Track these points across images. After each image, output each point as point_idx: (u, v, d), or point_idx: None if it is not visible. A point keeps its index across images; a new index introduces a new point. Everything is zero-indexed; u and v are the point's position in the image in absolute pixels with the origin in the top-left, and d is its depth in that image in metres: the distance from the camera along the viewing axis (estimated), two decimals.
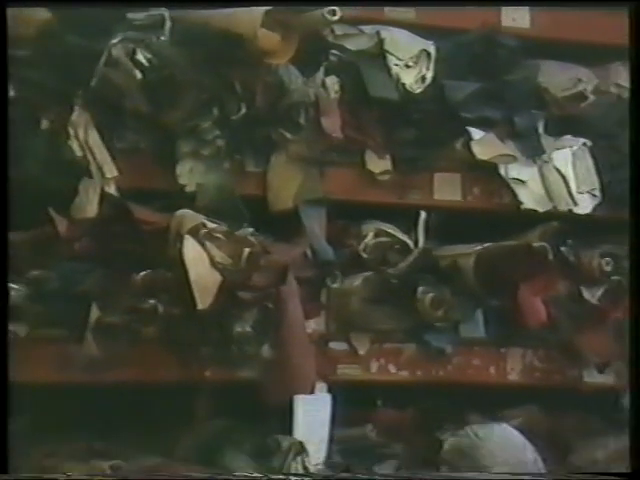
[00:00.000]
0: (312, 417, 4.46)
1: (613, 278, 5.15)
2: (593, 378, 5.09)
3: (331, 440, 4.66)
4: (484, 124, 4.92)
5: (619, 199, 5.02)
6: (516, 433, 4.31)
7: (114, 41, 4.31)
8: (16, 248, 4.27)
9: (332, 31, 4.68)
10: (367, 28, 4.85)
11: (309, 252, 4.58)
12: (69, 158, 4.22)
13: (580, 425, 5.12)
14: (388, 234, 4.76)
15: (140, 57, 4.27)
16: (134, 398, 4.50)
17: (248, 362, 4.45)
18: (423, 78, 4.80)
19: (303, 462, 4.53)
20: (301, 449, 4.50)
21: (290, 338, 4.36)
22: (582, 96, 5.11)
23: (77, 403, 4.33)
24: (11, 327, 4.18)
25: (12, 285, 4.28)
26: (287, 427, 4.53)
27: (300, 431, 4.54)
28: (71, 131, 4.23)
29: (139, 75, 4.29)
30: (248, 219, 4.41)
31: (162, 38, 4.35)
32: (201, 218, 4.33)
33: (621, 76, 5.17)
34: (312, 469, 4.60)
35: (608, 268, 5.12)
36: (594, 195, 5.03)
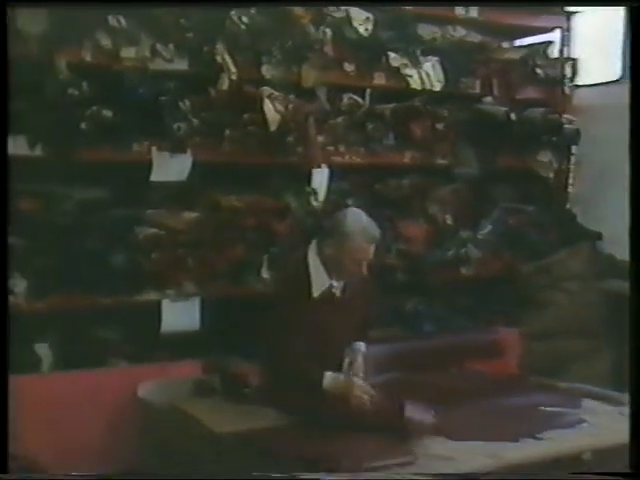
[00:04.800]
0: (320, 177, 4.44)
1: (448, 118, 4.99)
2: (442, 160, 5.03)
3: (329, 189, 4.50)
4: (394, 50, 4.79)
5: (453, 84, 5.04)
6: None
7: (232, 12, 4.24)
8: (196, 106, 4.18)
9: (327, 9, 4.56)
10: (342, 8, 4.59)
11: (318, 106, 4.54)
12: (218, 65, 4.20)
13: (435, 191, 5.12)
14: (352, 99, 4.71)
15: (244, 19, 4.26)
16: (239, 172, 4.45)
17: (293, 152, 4.44)
18: (367, 29, 4.67)
19: (315, 199, 4.47)
20: (313, 192, 4.44)
21: (310, 144, 4.45)
22: (435, 39, 5.00)
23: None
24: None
25: (193, 119, 4.19)
26: (309, 182, 4.43)
27: (316, 184, 4.42)
28: (217, 52, 4.20)
29: (243, 27, 4.27)
30: (292, 91, 4.41)
31: (252, 11, 4.28)
32: (271, 90, 4.32)
33: (453, 30, 5.10)
34: (316, 205, 4.47)
35: (445, 114, 4.98)
36: (441, 81, 4.96)
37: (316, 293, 3.49)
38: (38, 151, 3.82)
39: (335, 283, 3.53)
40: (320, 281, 3.50)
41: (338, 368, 3.48)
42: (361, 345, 3.60)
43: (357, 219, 3.50)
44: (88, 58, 3.95)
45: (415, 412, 3.19)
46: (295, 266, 3.59)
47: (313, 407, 3.29)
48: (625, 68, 5.50)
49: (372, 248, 3.48)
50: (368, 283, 3.68)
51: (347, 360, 3.54)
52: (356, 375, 3.47)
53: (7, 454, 2.61)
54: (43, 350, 3.91)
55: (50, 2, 3.71)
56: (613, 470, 2.96)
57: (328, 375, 3.31)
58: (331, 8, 4.62)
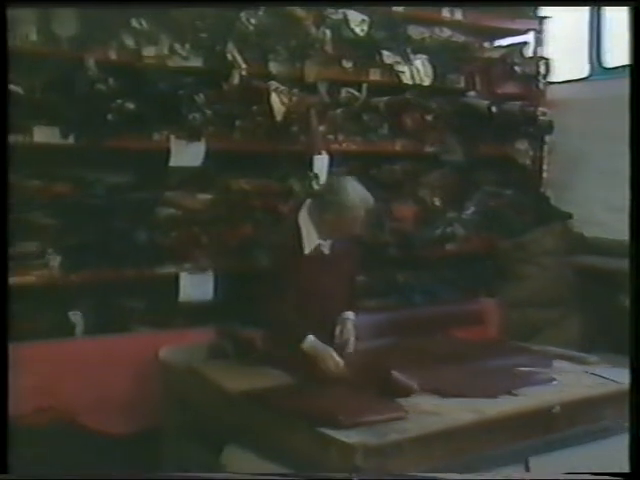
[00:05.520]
0: (321, 163, 4.42)
1: (436, 110, 5.01)
2: (431, 148, 5.03)
3: (329, 174, 4.41)
4: (388, 49, 4.75)
5: (440, 79, 5.03)
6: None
7: (242, 15, 4.20)
8: (209, 99, 4.15)
9: (327, 11, 4.53)
10: (340, 10, 4.55)
11: (319, 99, 4.52)
12: (229, 62, 4.18)
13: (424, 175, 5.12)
14: (350, 92, 4.67)
15: (252, 21, 4.25)
16: (248, 158, 4.41)
17: (296, 140, 4.42)
18: (362, 29, 4.63)
19: (317, 183, 4.42)
20: (315, 176, 4.39)
21: (312, 133, 4.42)
22: (424, 39, 4.96)
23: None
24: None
25: (207, 111, 4.11)
26: (311, 167, 4.41)
27: (317, 169, 4.41)
28: (228, 51, 4.18)
29: (252, 28, 4.26)
30: (296, 85, 4.39)
31: (260, 13, 4.27)
32: (277, 84, 4.29)
33: (440, 31, 5.07)
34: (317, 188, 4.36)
35: (434, 107, 4.98)
36: (429, 77, 4.93)
37: (307, 250, 3.54)
38: (71, 140, 3.82)
39: (323, 242, 3.58)
40: (311, 240, 3.56)
41: (330, 330, 3.55)
42: (349, 314, 3.66)
43: (356, 190, 3.54)
44: (114, 57, 3.96)
45: (402, 378, 3.19)
46: (288, 227, 3.64)
47: (304, 367, 3.36)
48: (592, 67, 5.56)
49: (365, 213, 3.56)
50: (354, 245, 3.71)
51: (339, 327, 3.61)
52: (347, 340, 3.56)
53: (7, 454, 2.48)
54: (76, 317, 3.93)
55: (50, 2, 3.64)
56: (578, 422, 3.05)
57: (309, 338, 3.36)
58: (330, 11, 4.58)
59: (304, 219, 3.58)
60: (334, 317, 3.65)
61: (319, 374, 3.29)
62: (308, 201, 3.66)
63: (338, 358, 3.33)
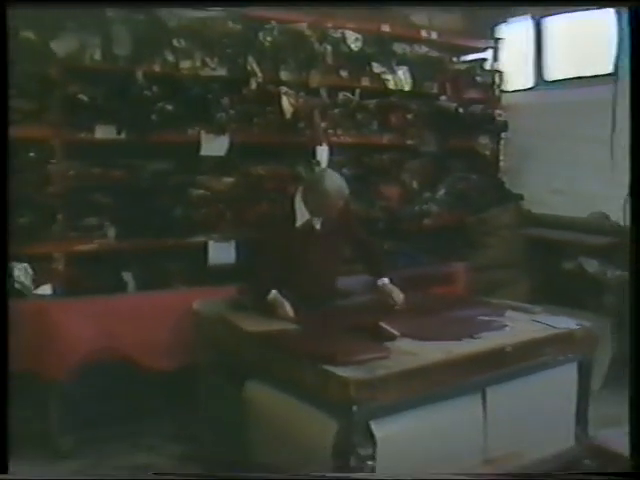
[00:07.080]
0: (322, 153, 4.41)
1: (415, 110, 5.04)
2: (411, 141, 5.05)
3: (329, 161, 4.43)
4: (376, 61, 4.80)
5: (418, 86, 5.04)
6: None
7: (260, 33, 4.25)
8: (232, 101, 4.16)
9: (328, 30, 4.55)
10: (339, 30, 4.59)
11: (321, 101, 4.53)
12: (248, 72, 4.19)
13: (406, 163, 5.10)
14: (346, 96, 4.67)
15: (268, 38, 4.28)
16: (263, 149, 4.38)
17: (302, 134, 4.43)
18: (357, 46, 4.66)
19: (319, 167, 4.34)
20: (318, 163, 4.39)
21: (315, 128, 4.44)
22: (406, 53, 4.96)
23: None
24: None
25: (230, 111, 4.12)
26: (314, 156, 4.40)
27: (319, 157, 4.37)
28: (248, 62, 4.21)
29: (267, 44, 4.28)
30: (302, 89, 4.41)
31: (275, 33, 4.29)
32: (287, 89, 4.32)
33: (419, 48, 5.05)
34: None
35: (413, 108, 4.98)
36: (409, 84, 4.94)
37: (298, 224, 3.54)
38: (123, 135, 3.88)
39: (314, 218, 3.57)
40: (301, 216, 3.54)
41: (317, 290, 3.57)
42: (385, 279, 3.72)
43: (333, 182, 3.51)
44: (157, 69, 4.00)
45: (388, 327, 3.17)
46: (284, 206, 3.63)
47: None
48: (536, 80, 5.63)
49: (342, 200, 3.53)
50: (345, 226, 3.67)
51: (389, 291, 3.68)
52: (398, 294, 3.63)
53: (7, 454, 2.29)
54: (128, 277, 3.99)
55: (50, 2, 3.45)
56: (525, 358, 3.06)
57: (272, 292, 3.42)
58: (331, 30, 4.62)
59: (298, 200, 3.57)
60: (324, 281, 3.68)
61: (277, 317, 3.37)
62: (300, 187, 3.66)
63: (289, 308, 3.39)
